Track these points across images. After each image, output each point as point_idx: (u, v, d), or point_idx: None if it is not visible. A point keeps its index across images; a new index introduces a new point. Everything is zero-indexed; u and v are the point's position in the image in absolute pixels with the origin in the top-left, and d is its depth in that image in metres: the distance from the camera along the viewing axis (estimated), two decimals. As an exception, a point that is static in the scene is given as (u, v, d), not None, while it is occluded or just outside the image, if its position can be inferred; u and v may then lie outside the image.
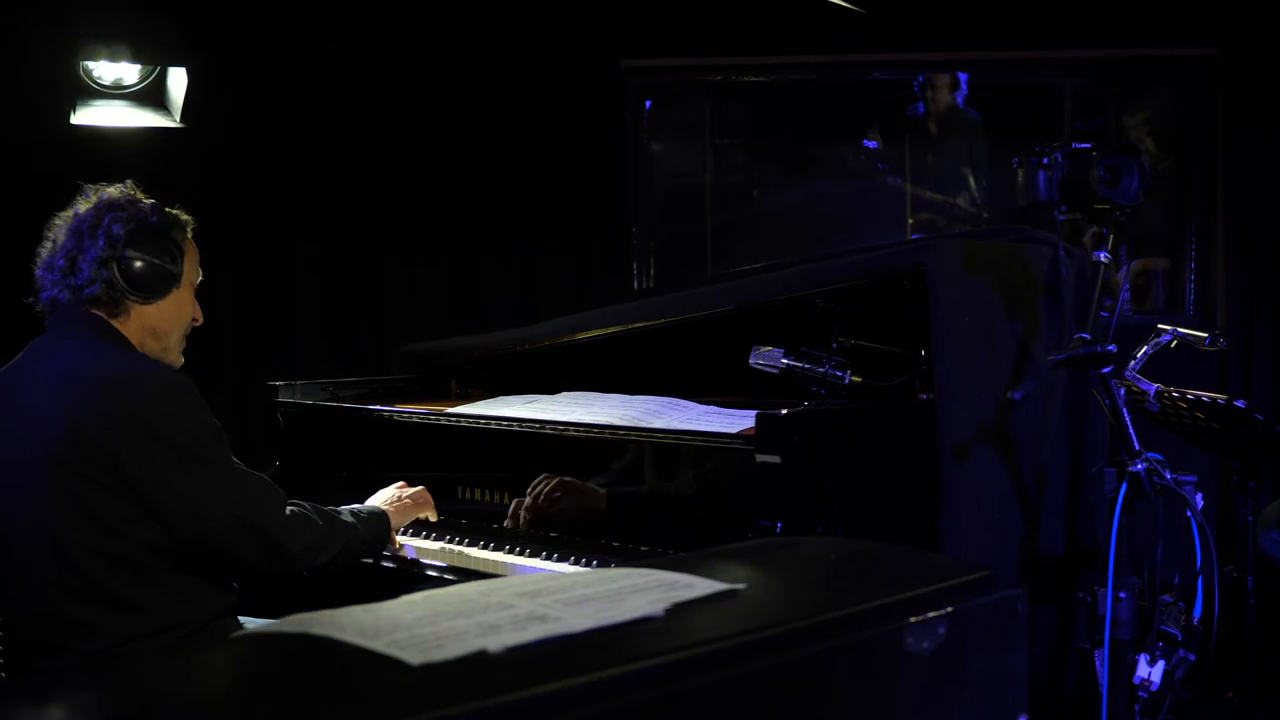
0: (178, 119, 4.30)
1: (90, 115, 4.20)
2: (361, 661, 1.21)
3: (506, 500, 3.19)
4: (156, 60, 4.26)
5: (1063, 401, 2.88)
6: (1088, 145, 2.56)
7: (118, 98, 4.26)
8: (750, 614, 1.48)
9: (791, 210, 6.50)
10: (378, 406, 3.63)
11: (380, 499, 3.13)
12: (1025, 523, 2.81)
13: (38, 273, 2.75)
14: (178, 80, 4.26)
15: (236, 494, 2.65)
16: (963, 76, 6.30)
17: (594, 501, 3.05)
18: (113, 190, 2.79)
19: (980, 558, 2.67)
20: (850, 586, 1.65)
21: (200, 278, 2.92)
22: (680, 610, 1.44)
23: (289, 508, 2.74)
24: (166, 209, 2.82)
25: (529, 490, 3.13)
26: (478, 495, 3.28)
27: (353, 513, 2.94)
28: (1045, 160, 2.58)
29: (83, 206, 2.76)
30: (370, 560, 3.05)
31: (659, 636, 1.35)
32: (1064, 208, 2.60)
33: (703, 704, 1.30)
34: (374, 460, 3.57)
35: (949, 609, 1.59)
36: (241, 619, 2.80)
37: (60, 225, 2.76)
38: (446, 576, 3.03)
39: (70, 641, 2.57)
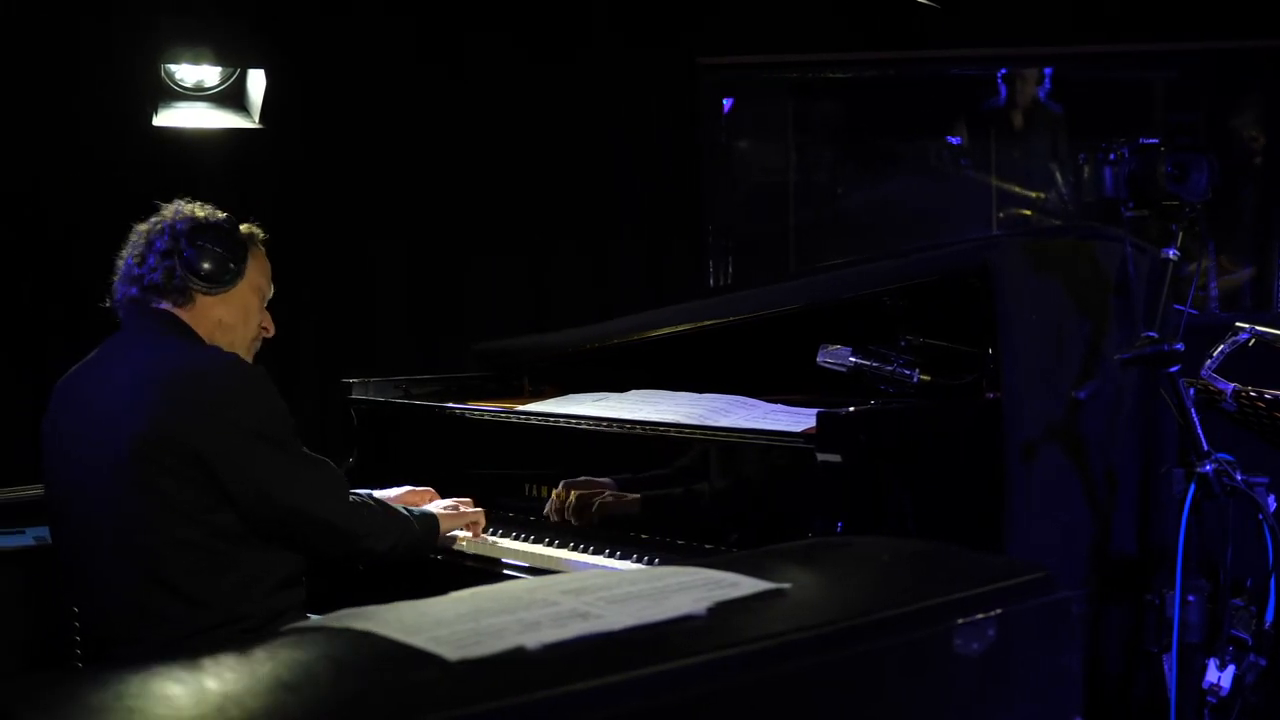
0: (257, 120, 4.37)
1: (172, 117, 4.28)
2: (399, 656, 1.23)
3: (572, 497, 3.20)
4: (237, 63, 4.34)
5: (1134, 401, 2.83)
6: (1155, 141, 2.52)
7: (199, 99, 4.33)
8: (794, 613, 1.48)
9: (875, 208, 6.46)
10: (449, 404, 3.67)
11: (432, 507, 3.17)
12: (1095, 524, 2.77)
13: (115, 281, 2.83)
14: (257, 82, 4.33)
15: (306, 479, 2.74)
16: (1046, 70, 6.22)
17: (652, 501, 3.06)
18: (188, 206, 2.87)
19: (1047, 559, 2.64)
20: (898, 587, 1.64)
21: (271, 291, 2.97)
22: (723, 609, 1.44)
23: (351, 496, 2.84)
24: (241, 225, 2.89)
25: (580, 490, 3.16)
26: (544, 492, 3.30)
27: (405, 509, 3.00)
28: (1112, 156, 2.54)
29: (160, 218, 2.84)
30: (419, 559, 3.09)
31: (699, 635, 1.35)
32: (1131, 204, 2.56)
33: (743, 704, 1.30)
34: (444, 457, 3.60)
35: (998, 610, 1.58)
36: (311, 616, 2.85)
37: (139, 230, 2.84)
38: (508, 573, 3.05)
39: (142, 632, 2.63)
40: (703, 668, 1.29)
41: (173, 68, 4.28)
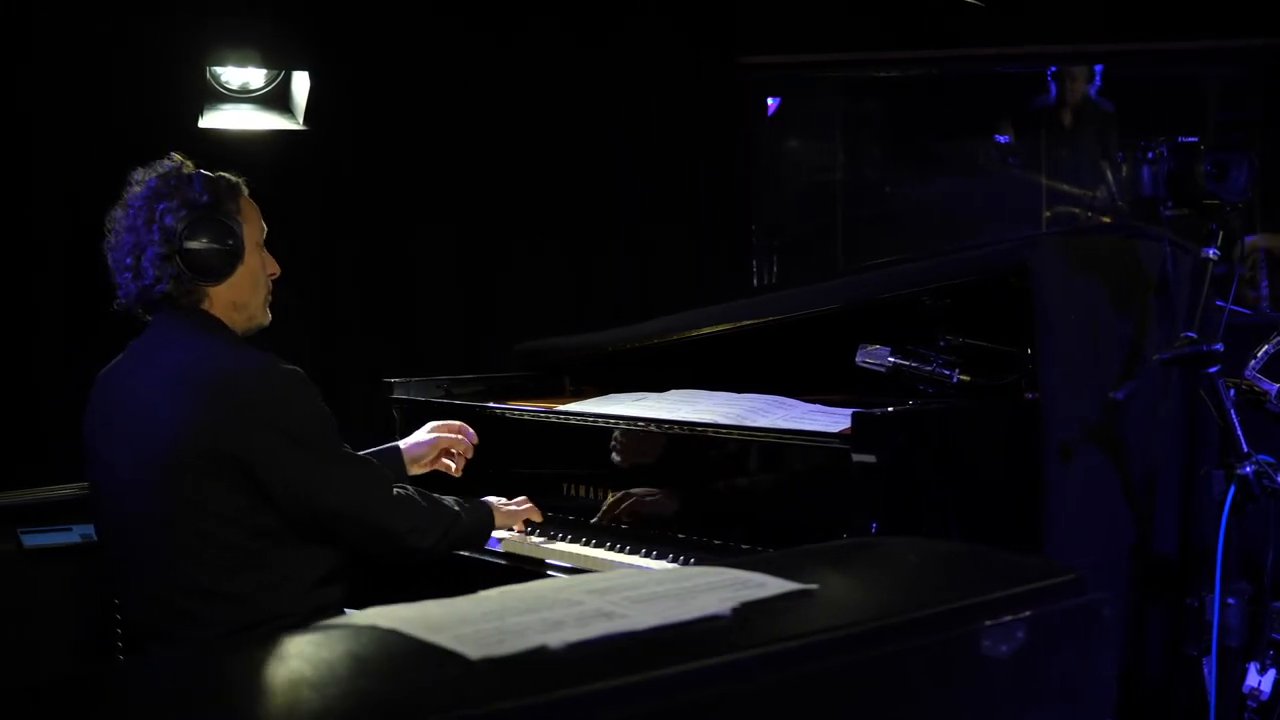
0: (301, 121, 4.40)
1: (217, 119, 4.33)
2: (421, 654, 1.24)
3: (610, 496, 3.22)
4: (282, 65, 4.38)
5: (1176, 401, 2.81)
6: (1194, 140, 2.50)
7: (244, 101, 4.38)
8: (819, 614, 1.48)
9: (923, 206, 6.44)
10: (490, 404, 3.68)
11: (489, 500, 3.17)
12: (1136, 525, 2.75)
13: (111, 267, 2.77)
14: (301, 83, 4.37)
15: (344, 478, 2.74)
16: (1097, 68, 6.17)
17: (687, 501, 3.07)
18: (159, 170, 2.77)
19: (1086, 560, 2.62)
20: (926, 588, 1.63)
21: (265, 232, 2.88)
22: (749, 610, 1.44)
23: (395, 490, 2.82)
24: (216, 175, 2.81)
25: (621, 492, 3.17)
26: (582, 492, 3.31)
27: (456, 501, 2.98)
28: (1150, 155, 2.52)
29: (133, 194, 2.75)
30: (470, 552, 3.10)
31: (722, 635, 1.35)
32: (1170, 203, 2.53)
33: (765, 704, 1.30)
34: (484, 456, 3.61)
35: (1028, 612, 1.57)
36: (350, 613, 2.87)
37: (118, 217, 2.77)
38: (548, 572, 3.06)
39: (182, 629, 2.65)
40: (724, 668, 1.29)
41: (218, 70, 4.32)
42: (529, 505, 3.23)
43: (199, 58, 4.28)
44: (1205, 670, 2.47)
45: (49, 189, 4.55)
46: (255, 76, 4.38)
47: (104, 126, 4.57)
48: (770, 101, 6.33)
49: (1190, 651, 2.56)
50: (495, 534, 3.15)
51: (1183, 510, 2.76)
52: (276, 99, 4.40)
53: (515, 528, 3.22)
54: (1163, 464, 2.78)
